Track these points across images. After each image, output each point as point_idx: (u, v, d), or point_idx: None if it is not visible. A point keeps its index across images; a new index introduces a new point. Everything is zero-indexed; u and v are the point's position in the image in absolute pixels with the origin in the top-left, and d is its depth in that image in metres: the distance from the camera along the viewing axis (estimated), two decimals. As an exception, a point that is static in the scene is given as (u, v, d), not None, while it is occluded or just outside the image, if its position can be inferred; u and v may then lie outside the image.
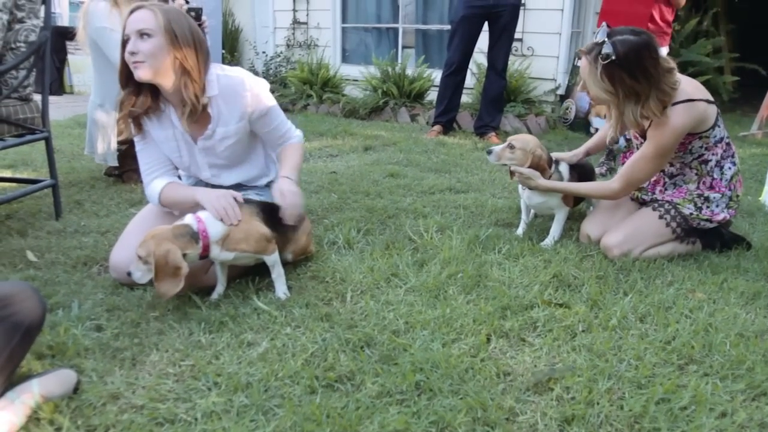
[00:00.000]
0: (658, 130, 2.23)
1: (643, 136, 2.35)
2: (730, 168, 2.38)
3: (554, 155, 2.60)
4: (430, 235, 2.55)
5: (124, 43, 1.93)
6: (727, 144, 2.39)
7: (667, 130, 2.21)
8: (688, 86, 2.25)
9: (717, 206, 2.39)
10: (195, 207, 2.01)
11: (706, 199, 2.39)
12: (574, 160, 2.67)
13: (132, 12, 1.93)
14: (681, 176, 2.44)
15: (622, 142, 2.65)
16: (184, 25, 1.95)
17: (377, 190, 3.32)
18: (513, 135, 2.61)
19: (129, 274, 1.84)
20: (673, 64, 2.21)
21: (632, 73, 2.14)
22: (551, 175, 2.49)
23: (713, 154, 2.35)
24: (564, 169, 2.55)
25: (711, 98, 2.28)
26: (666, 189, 2.49)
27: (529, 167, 2.43)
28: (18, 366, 1.42)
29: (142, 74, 1.92)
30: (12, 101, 2.59)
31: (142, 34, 1.89)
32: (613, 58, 2.12)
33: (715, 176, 2.38)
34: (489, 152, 2.52)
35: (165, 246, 1.79)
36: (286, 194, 2.07)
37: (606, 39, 2.15)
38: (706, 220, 2.39)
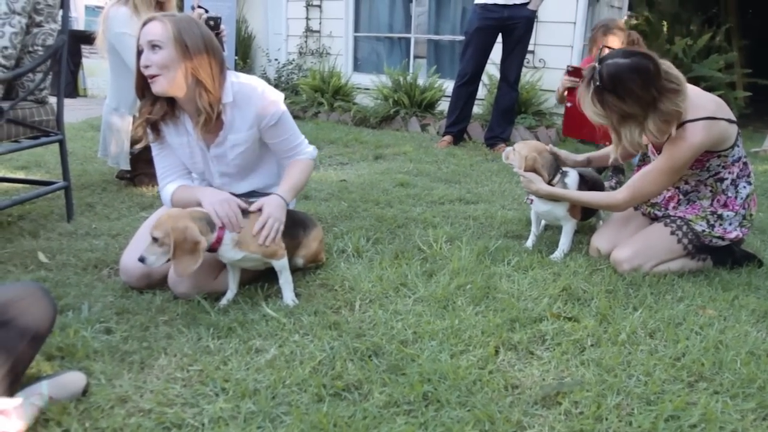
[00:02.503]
0: (675, 145, 2.21)
1: (660, 151, 2.34)
2: (744, 187, 2.36)
3: (553, 148, 2.62)
4: (440, 246, 2.55)
5: (139, 54, 1.95)
6: (744, 163, 2.37)
7: (683, 145, 2.19)
8: (711, 104, 2.23)
9: (730, 224, 2.37)
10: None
11: (720, 216, 2.37)
12: (570, 161, 2.66)
13: (144, 24, 1.94)
14: (695, 192, 2.43)
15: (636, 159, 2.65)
16: (196, 35, 1.95)
17: (387, 199, 3.32)
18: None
19: (141, 260, 1.82)
20: (679, 85, 2.15)
21: (620, 97, 2.12)
22: (553, 182, 2.49)
23: (729, 173, 2.34)
24: (571, 180, 2.54)
25: (733, 118, 2.26)
26: (680, 205, 2.47)
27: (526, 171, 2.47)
28: (27, 367, 1.43)
29: (158, 88, 1.95)
30: (28, 104, 2.62)
31: (153, 46, 1.91)
32: (598, 83, 2.14)
33: (730, 194, 2.36)
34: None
35: (183, 222, 1.81)
36: (265, 210, 2.01)
37: (597, 64, 2.16)
38: (719, 237, 2.38)
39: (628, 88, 2.10)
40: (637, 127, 2.17)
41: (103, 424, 1.40)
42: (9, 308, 1.36)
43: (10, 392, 1.35)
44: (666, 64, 2.17)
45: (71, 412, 1.42)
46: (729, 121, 2.24)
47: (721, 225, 2.37)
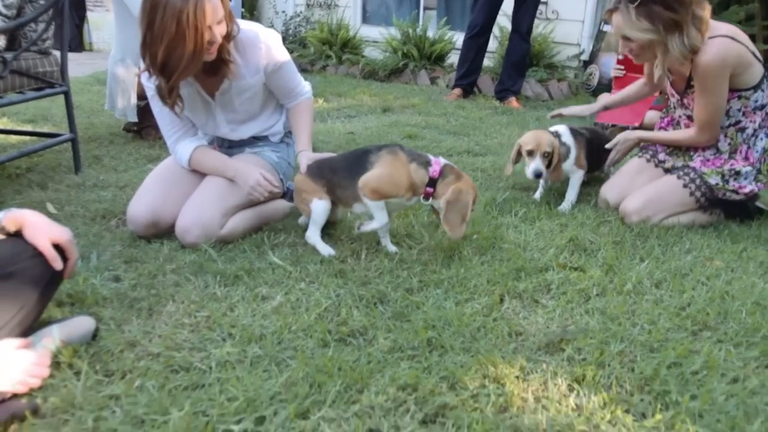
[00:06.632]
0: (696, 72, 2.21)
1: (678, 93, 2.34)
2: (762, 139, 2.31)
3: (566, 110, 2.72)
4: (447, 197, 2.54)
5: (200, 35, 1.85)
6: (767, 114, 2.31)
7: (700, 68, 2.18)
8: (730, 29, 2.21)
9: (745, 179, 2.33)
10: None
11: (737, 173, 2.32)
12: (587, 113, 2.70)
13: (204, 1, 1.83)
14: (716, 144, 2.38)
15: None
16: None
17: (394, 152, 3.29)
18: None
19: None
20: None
21: (665, 3, 2.12)
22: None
23: (751, 122, 2.28)
24: (568, 139, 2.53)
25: (758, 55, 2.23)
26: (703, 151, 2.42)
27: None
28: (39, 315, 1.45)
29: (214, 55, 1.96)
30: (31, 54, 2.60)
31: (219, 22, 1.90)
32: None
33: (750, 146, 2.31)
34: None
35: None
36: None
37: None
38: (733, 191, 2.34)
39: None
40: (681, 35, 2.15)
41: (113, 366, 1.42)
42: (20, 258, 1.37)
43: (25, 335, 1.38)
44: None
45: (82, 355, 1.45)
46: (752, 53, 2.20)
47: (736, 180, 2.33)
